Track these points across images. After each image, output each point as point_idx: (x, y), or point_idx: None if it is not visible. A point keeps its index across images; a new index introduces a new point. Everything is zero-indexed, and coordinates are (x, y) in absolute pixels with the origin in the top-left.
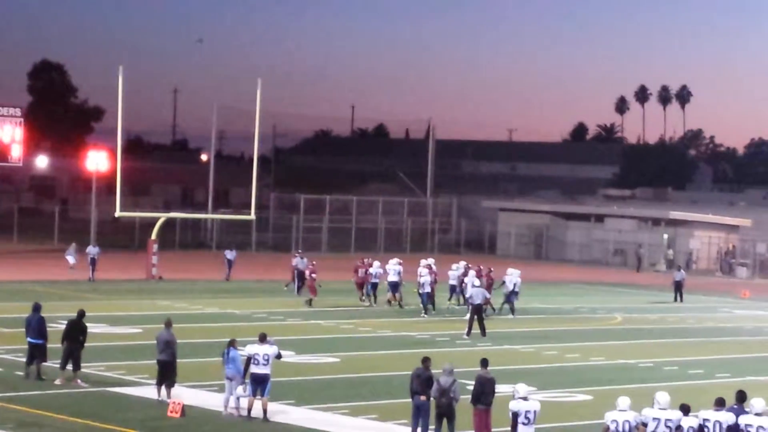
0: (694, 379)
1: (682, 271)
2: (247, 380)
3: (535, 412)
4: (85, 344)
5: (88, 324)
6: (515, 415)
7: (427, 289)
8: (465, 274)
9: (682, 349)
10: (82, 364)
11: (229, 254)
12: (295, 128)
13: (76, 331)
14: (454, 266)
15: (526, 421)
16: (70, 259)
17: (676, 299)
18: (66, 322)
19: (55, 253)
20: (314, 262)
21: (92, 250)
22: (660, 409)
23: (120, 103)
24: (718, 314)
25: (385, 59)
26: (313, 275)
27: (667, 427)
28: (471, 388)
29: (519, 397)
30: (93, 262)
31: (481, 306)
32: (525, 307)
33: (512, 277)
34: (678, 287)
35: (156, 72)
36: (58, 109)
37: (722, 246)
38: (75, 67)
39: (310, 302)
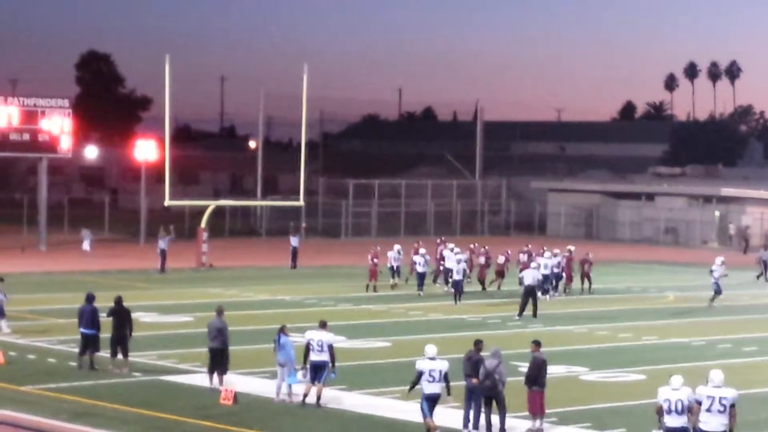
0: (749, 356)
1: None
2: (307, 366)
3: (440, 371)
4: (138, 333)
5: (139, 313)
6: (420, 373)
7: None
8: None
9: (736, 327)
10: (135, 353)
11: (294, 241)
12: (342, 113)
13: (119, 319)
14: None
15: (431, 379)
16: (85, 245)
17: (759, 277)
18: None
19: (105, 243)
20: (378, 247)
21: (162, 242)
22: (714, 387)
23: (167, 92)
24: (757, 291)
25: (431, 41)
26: (375, 260)
27: (722, 404)
28: (522, 369)
29: (427, 357)
30: (163, 253)
31: (533, 287)
32: (576, 287)
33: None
34: (766, 265)
35: (203, 60)
36: (106, 100)
37: None
38: (122, 57)
39: (374, 288)
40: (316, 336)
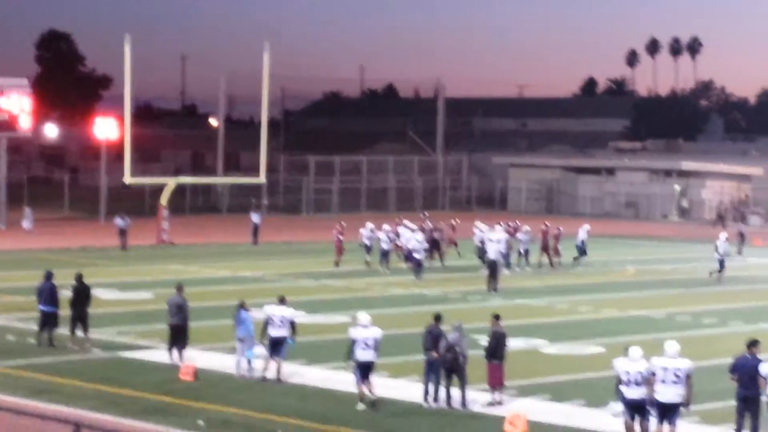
0: (707, 328)
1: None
2: (265, 341)
3: (374, 339)
4: (98, 310)
5: (99, 290)
6: (353, 341)
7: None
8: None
9: (695, 299)
10: (94, 330)
11: (255, 217)
12: (303, 91)
13: (81, 296)
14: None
15: (364, 347)
16: (26, 224)
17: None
18: (70, 289)
19: (65, 221)
20: (343, 223)
21: (120, 222)
22: (668, 358)
23: (127, 71)
24: (731, 263)
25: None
26: (341, 237)
27: (676, 376)
28: (483, 343)
29: (360, 325)
30: (122, 233)
31: (496, 261)
32: (536, 261)
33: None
34: (742, 239)
35: (163, 38)
36: (67, 79)
37: (734, 195)
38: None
39: (336, 263)
40: (276, 311)
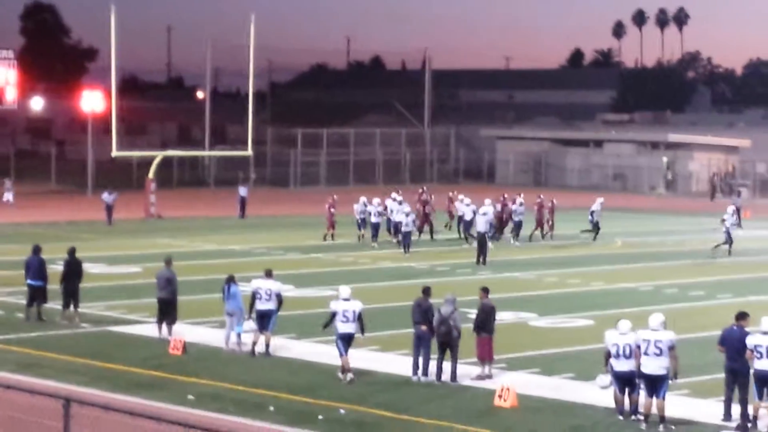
0: (695, 300)
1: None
2: (253, 315)
3: (354, 311)
4: (86, 284)
5: (87, 264)
6: (333, 313)
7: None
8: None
9: (683, 272)
10: (83, 304)
11: (242, 190)
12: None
13: (73, 270)
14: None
15: (344, 319)
16: (7, 196)
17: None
18: (63, 263)
19: (52, 194)
20: (335, 196)
21: (107, 197)
22: (651, 330)
23: (113, 43)
24: (718, 235)
25: None
26: (332, 209)
27: (657, 347)
28: (472, 316)
29: (342, 298)
30: (109, 208)
31: (485, 234)
32: (525, 234)
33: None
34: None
35: (149, 10)
36: (52, 51)
37: (722, 167)
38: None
39: (331, 237)
40: (263, 285)
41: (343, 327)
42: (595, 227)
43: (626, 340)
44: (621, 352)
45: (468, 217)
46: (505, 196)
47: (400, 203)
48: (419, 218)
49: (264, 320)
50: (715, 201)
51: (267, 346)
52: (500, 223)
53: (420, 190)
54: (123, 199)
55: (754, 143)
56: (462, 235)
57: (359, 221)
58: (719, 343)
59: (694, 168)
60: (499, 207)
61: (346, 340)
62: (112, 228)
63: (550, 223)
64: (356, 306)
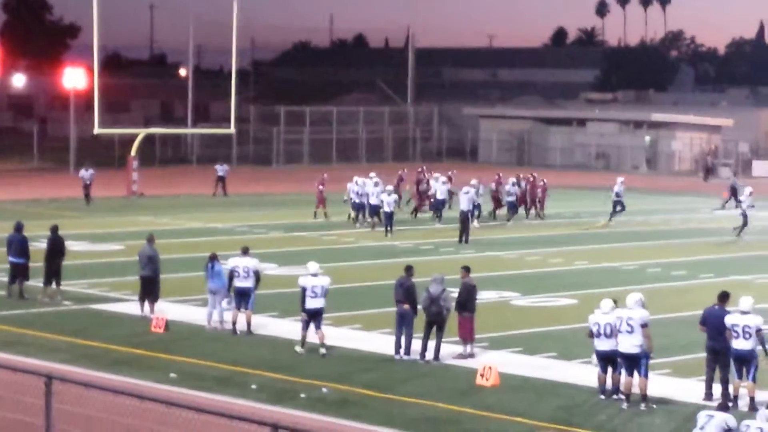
0: (678, 280)
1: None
2: (232, 293)
3: (322, 287)
4: (68, 262)
5: (69, 242)
6: (303, 289)
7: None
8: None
9: (666, 251)
10: (65, 282)
11: (220, 170)
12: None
13: (56, 248)
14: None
15: (313, 294)
16: None
17: (736, 205)
18: (46, 241)
19: (34, 172)
20: (325, 174)
21: (85, 173)
22: (626, 309)
23: (95, 20)
24: (700, 215)
25: None
26: (321, 187)
27: (629, 325)
28: (454, 295)
29: (309, 274)
30: (86, 187)
31: (467, 213)
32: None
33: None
34: (734, 192)
35: None
36: (34, 27)
37: (704, 147)
38: None
39: (324, 214)
40: (240, 263)
41: (312, 302)
42: (621, 206)
43: (607, 319)
44: (602, 331)
45: (440, 195)
46: (500, 175)
47: (376, 185)
48: (415, 198)
49: (242, 298)
50: (709, 182)
51: (248, 324)
52: (496, 203)
53: (419, 169)
54: (105, 177)
55: (736, 123)
56: (435, 214)
57: (354, 202)
58: (700, 323)
59: (676, 147)
60: (494, 186)
61: (314, 315)
62: (90, 206)
63: (541, 202)
64: (324, 281)
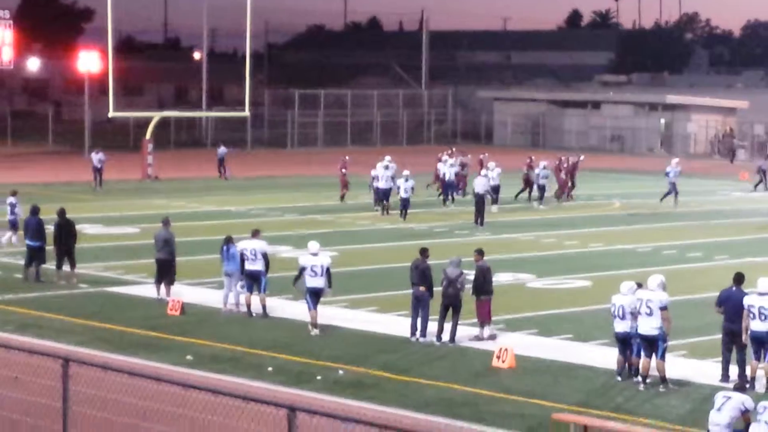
0: (693, 262)
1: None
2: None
3: (322, 266)
4: (83, 245)
5: (84, 225)
6: (302, 268)
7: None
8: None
9: (681, 233)
10: (80, 265)
11: (220, 151)
12: (287, 23)
13: (64, 231)
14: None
15: (313, 274)
16: None
17: (757, 186)
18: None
19: (49, 155)
20: (347, 157)
21: (95, 157)
22: (648, 291)
23: (109, 3)
24: (716, 197)
25: None
26: (344, 170)
27: (648, 307)
28: (470, 278)
29: (310, 253)
30: (96, 170)
31: (482, 195)
32: (525, 195)
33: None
34: (766, 174)
35: None
36: (48, 11)
37: (719, 129)
38: None
39: (342, 197)
40: (248, 245)
41: (312, 281)
42: (674, 188)
43: (622, 301)
44: (617, 313)
45: (449, 177)
46: (532, 158)
47: (386, 168)
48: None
49: (253, 281)
50: (734, 164)
51: (263, 307)
52: (526, 185)
53: (449, 152)
54: (120, 160)
55: (751, 105)
56: (442, 196)
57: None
58: (717, 305)
59: (692, 129)
60: (525, 169)
61: (315, 294)
62: (100, 190)
63: (570, 184)
64: (324, 260)
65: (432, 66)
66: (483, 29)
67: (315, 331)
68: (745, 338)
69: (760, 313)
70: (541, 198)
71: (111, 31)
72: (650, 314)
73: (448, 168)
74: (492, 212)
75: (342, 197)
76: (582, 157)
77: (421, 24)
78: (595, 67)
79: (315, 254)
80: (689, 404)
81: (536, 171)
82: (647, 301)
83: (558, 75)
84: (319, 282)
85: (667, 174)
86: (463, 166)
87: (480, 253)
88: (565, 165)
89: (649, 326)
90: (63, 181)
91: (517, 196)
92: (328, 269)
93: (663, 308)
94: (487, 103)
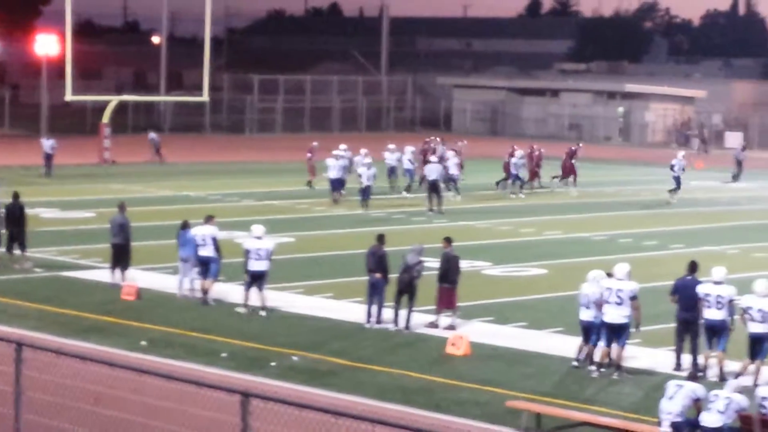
0: (649, 250)
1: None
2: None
3: (267, 250)
4: (39, 229)
5: (41, 209)
6: (247, 251)
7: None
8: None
9: (638, 222)
10: (36, 249)
11: (151, 136)
12: (247, 8)
13: (13, 215)
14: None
15: (256, 257)
16: None
17: (735, 177)
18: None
19: (6, 138)
20: (315, 143)
21: (46, 143)
22: (616, 279)
23: None
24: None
25: None
26: (309, 155)
27: (619, 297)
28: (429, 265)
29: (254, 236)
30: (48, 157)
31: (436, 182)
32: (482, 182)
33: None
34: (740, 165)
35: None
36: None
37: (677, 118)
38: None
39: (308, 183)
40: (200, 231)
41: (255, 264)
42: (677, 182)
43: (587, 290)
44: (582, 302)
45: (390, 164)
46: (514, 147)
47: (337, 158)
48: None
49: (204, 266)
50: (709, 154)
51: (205, 292)
52: (507, 174)
53: (426, 140)
54: (77, 144)
55: (709, 94)
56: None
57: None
58: (671, 293)
59: (650, 118)
60: (507, 158)
61: (256, 278)
62: (50, 177)
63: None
64: (268, 244)
65: (392, 52)
66: (443, 16)
67: (242, 309)
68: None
69: (716, 302)
70: (521, 186)
71: (69, 14)
72: (620, 303)
73: (390, 155)
74: (454, 201)
75: (309, 183)
76: (581, 145)
77: (382, 10)
78: (554, 55)
79: (259, 237)
80: (642, 392)
81: (512, 160)
82: (617, 290)
83: (518, 63)
84: (262, 265)
85: (672, 167)
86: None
87: (448, 240)
88: (536, 153)
89: (618, 315)
90: (19, 164)
91: (498, 183)
92: (270, 253)
93: (633, 298)
94: (447, 90)
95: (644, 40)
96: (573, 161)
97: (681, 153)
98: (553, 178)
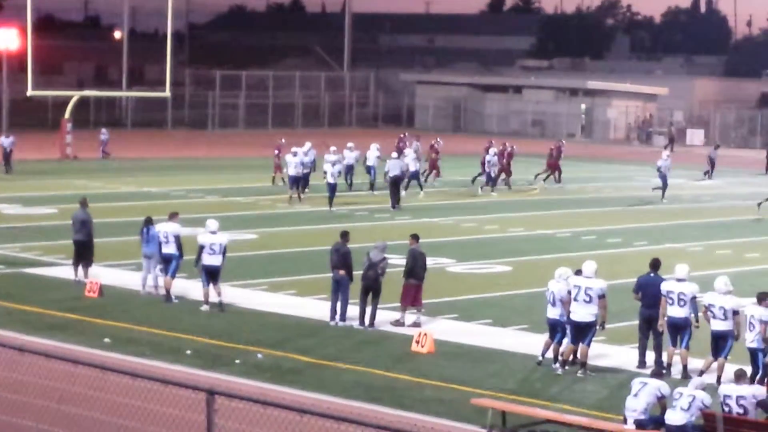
0: (612, 247)
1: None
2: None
3: (221, 245)
4: (1, 225)
5: (2, 205)
6: (201, 246)
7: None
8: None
9: (600, 219)
10: None
11: (103, 134)
12: (209, 3)
13: None
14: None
15: (211, 252)
16: None
17: (708, 174)
18: None
19: None
20: (283, 140)
21: (5, 141)
22: (583, 277)
23: None
24: (635, 183)
25: None
26: (277, 152)
27: (587, 295)
28: (393, 261)
29: (209, 231)
30: (6, 155)
31: (398, 177)
32: (447, 180)
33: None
34: (713, 163)
35: None
36: None
37: (639, 115)
38: None
39: (273, 179)
40: (163, 228)
41: (209, 259)
42: (663, 181)
43: (553, 287)
44: (549, 299)
45: (349, 163)
46: (492, 142)
47: (294, 155)
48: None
49: (167, 264)
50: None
51: (167, 290)
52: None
53: (401, 135)
54: (38, 140)
55: (671, 91)
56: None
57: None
58: (635, 291)
59: (612, 115)
60: (483, 154)
61: (210, 273)
62: (12, 174)
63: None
64: (223, 239)
65: (354, 48)
66: (406, 12)
67: (205, 308)
68: (662, 324)
69: (679, 299)
70: (493, 184)
71: (30, 9)
72: (589, 301)
73: (349, 153)
74: (420, 197)
75: (274, 180)
76: (564, 142)
77: (344, 6)
78: (516, 52)
79: (214, 232)
80: (606, 390)
81: (487, 158)
82: (587, 288)
83: (480, 59)
84: (216, 260)
85: (658, 168)
86: (435, 152)
87: (415, 237)
88: (508, 151)
89: (586, 313)
90: None
91: (474, 180)
92: (225, 248)
93: (602, 296)
94: (409, 86)
95: (606, 37)
96: (558, 160)
97: (666, 153)
98: (537, 175)
